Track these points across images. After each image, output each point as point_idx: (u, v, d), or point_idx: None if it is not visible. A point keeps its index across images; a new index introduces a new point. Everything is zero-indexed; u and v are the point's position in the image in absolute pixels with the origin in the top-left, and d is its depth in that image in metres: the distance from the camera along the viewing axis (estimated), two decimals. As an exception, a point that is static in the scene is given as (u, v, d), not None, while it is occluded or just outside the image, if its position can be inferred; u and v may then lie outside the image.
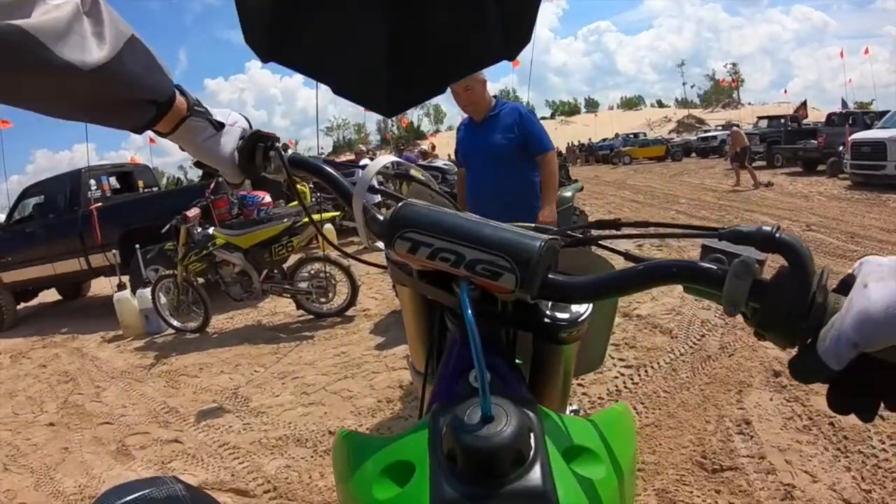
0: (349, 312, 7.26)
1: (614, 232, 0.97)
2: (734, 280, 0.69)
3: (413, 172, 1.10)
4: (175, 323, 7.72)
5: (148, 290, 7.81)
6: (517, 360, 0.97)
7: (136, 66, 1.00)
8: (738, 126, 19.43)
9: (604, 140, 55.98)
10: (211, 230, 7.52)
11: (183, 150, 1.24)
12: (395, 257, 0.88)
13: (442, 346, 1.00)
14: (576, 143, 58.24)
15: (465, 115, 4.44)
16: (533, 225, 0.93)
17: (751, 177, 17.69)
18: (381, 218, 1.01)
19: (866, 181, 15.64)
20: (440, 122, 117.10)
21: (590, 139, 59.31)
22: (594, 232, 1.62)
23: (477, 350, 0.69)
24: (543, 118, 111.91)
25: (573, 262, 0.96)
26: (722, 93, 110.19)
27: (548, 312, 0.90)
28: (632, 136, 53.37)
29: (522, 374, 0.94)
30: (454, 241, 0.81)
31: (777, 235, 0.70)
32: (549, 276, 0.81)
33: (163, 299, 7.77)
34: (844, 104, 31.49)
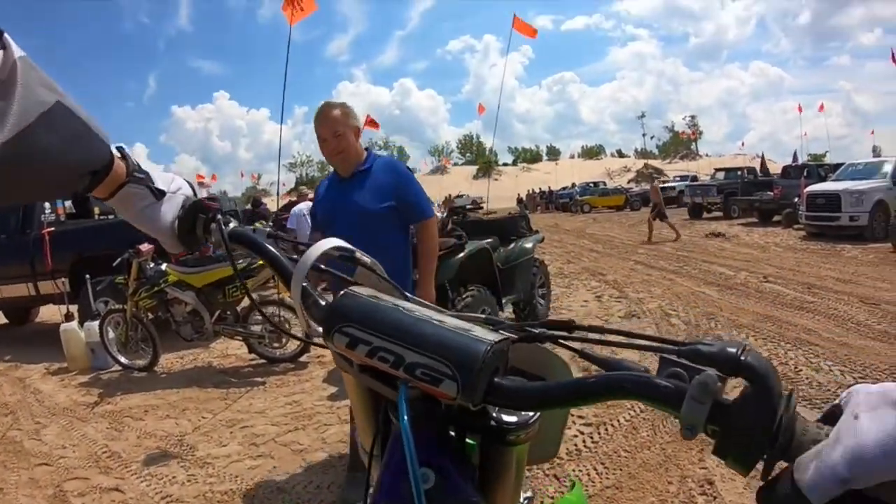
0: (303, 358, 7.06)
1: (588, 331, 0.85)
2: (692, 402, 0.62)
3: (359, 255, 1.00)
4: (122, 359, 7.41)
5: (96, 324, 7.52)
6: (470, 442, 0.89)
7: (56, 139, 0.91)
8: (657, 179, 19.81)
9: (564, 188, 56.50)
10: (164, 266, 7.31)
11: (121, 216, 1.18)
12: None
13: (388, 430, 0.91)
14: (536, 191, 58.69)
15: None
16: (484, 317, 0.87)
17: (672, 229, 18.10)
18: (321, 304, 0.95)
19: (821, 232, 16.19)
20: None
21: (549, 187, 59.73)
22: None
23: (412, 457, 0.67)
24: (505, 164, 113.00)
25: (527, 356, 0.89)
26: (680, 144, 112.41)
27: (495, 415, 0.83)
28: (592, 184, 53.98)
29: (474, 471, 0.86)
30: (393, 340, 0.76)
31: (742, 358, 0.63)
32: (496, 379, 0.74)
33: (111, 334, 7.48)
34: (796, 157, 32.23)
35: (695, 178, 43.51)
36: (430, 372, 0.72)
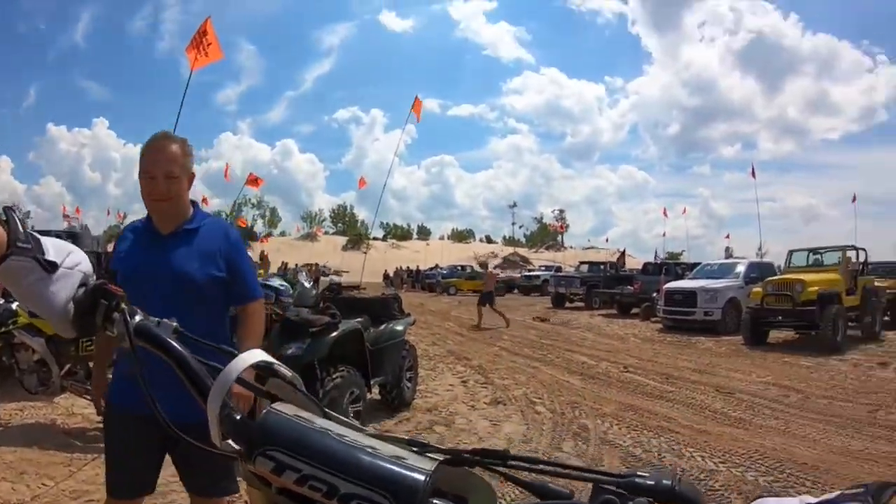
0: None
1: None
2: None
3: (277, 368, 0.94)
4: None
5: None
6: None
7: None
8: (496, 269, 20.18)
9: (431, 268, 56.87)
10: (14, 305, 6.68)
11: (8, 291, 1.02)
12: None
13: None
14: (404, 269, 58.90)
15: (141, 219, 2.94)
16: (407, 439, 0.86)
17: (501, 316, 18.28)
18: (239, 419, 0.88)
19: (677, 325, 17.22)
20: (274, 227, 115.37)
21: (418, 266, 60.04)
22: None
23: None
24: (376, 238, 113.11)
25: (450, 476, 0.85)
26: (547, 235, 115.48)
27: None
28: (459, 267, 54.54)
29: None
30: (326, 469, 0.74)
31: (676, 489, 0.70)
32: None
33: None
34: (657, 255, 33.89)
35: (559, 269, 44.69)
36: (365, 503, 0.72)
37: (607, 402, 8.04)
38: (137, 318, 1.03)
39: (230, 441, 0.85)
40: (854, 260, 15.66)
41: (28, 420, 6.89)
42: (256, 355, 0.92)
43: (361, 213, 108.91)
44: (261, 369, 0.94)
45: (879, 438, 6.52)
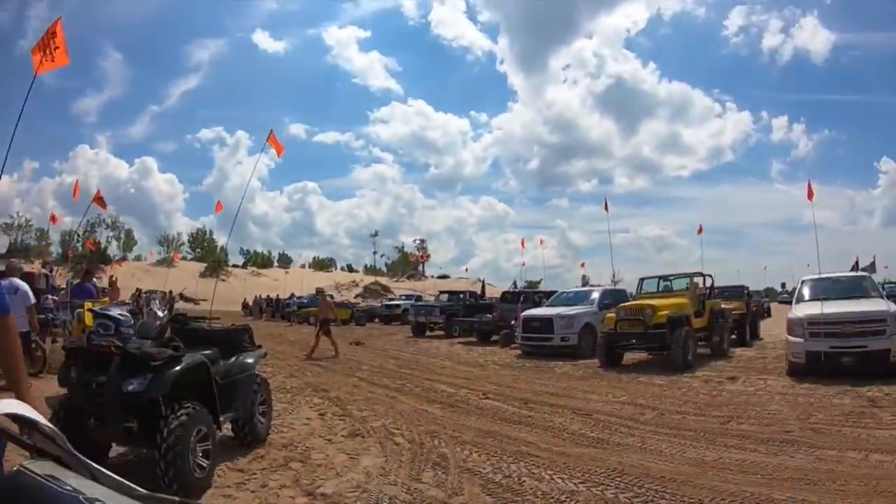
0: None
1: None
2: None
3: (40, 424, 0.82)
4: None
5: None
6: None
7: None
8: (331, 296, 19.84)
9: (290, 297, 55.69)
10: None
11: None
12: None
13: None
14: (263, 297, 57.37)
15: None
16: (178, 499, 0.81)
17: (332, 345, 18.12)
18: None
19: (534, 351, 17.60)
20: (129, 250, 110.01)
21: (278, 295, 58.54)
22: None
23: None
24: (236, 265, 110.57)
25: None
26: (408, 265, 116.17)
27: None
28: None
29: None
30: None
31: None
32: None
33: None
34: (515, 284, 34.54)
35: (419, 298, 44.93)
36: None
37: (466, 429, 7.98)
38: None
39: None
40: (701, 285, 16.56)
41: None
42: (11, 406, 0.81)
43: (221, 239, 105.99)
44: (19, 422, 0.82)
45: (732, 447, 6.81)
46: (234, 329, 8.02)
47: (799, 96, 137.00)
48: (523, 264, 73.56)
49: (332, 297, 22.12)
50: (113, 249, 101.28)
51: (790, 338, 11.68)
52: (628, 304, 15.72)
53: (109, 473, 0.79)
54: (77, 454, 0.82)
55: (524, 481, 5.76)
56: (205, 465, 5.77)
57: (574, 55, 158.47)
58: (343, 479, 6.04)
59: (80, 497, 0.66)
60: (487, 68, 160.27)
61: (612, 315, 15.18)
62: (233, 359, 7.11)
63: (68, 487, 0.68)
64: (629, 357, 15.43)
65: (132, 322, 6.44)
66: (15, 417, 0.81)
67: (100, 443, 6.06)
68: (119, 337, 6.10)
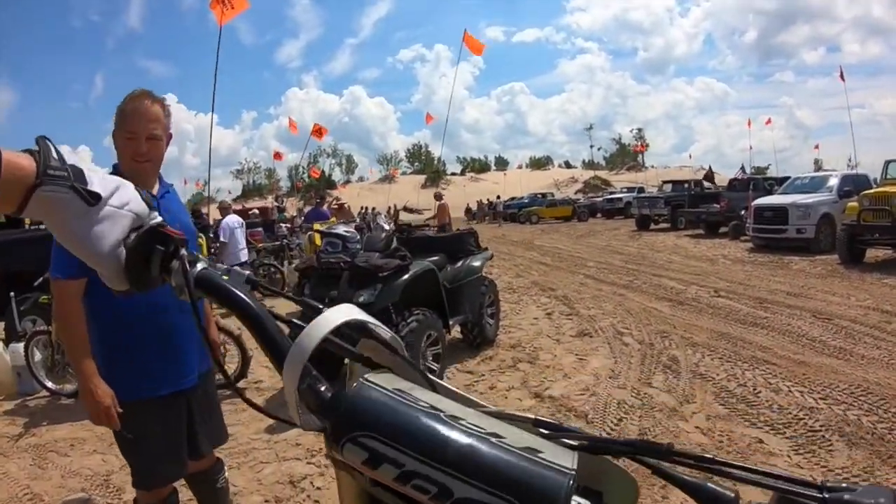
0: (239, 384, 6.45)
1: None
2: None
3: (374, 326, 0.77)
4: (49, 385, 6.78)
5: (21, 345, 6.89)
6: None
7: None
8: (442, 196, 17.77)
9: (511, 199, 56.18)
10: None
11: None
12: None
13: None
14: (485, 202, 58.30)
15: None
16: (532, 418, 0.71)
17: None
18: (324, 390, 0.71)
19: (767, 244, 16.37)
20: (351, 173, 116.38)
21: (498, 196, 59.21)
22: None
23: None
24: (454, 174, 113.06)
25: (584, 462, 0.65)
26: (627, 156, 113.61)
27: None
28: (540, 195, 53.79)
29: None
30: (437, 465, 0.59)
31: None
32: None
33: (38, 356, 6.84)
34: (744, 170, 32.50)
35: (641, 190, 43.81)
36: None
37: (698, 330, 7.68)
38: (200, 265, 0.87)
39: (312, 417, 0.70)
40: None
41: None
42: (346, 312, 0.75)
43: (437, 150, 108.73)
44: (352, 329, 0.77)
45: None
46: (457, 234, 8.15)
47: None
48: (750, 148, 69.31)
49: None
50: (337, 175, 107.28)
51: None
52: (873, 191, 13.58)
53: (447, 385, 0.74)
54: (414, 363, 0.77)
55: (759, 392, 5.44)
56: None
57: None
58: (571, 381, 6.04)
59: (442, 415, 0.63)
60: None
61: (855, 204, 13.41)
62: (459, 263, 7.26)
63: (423, 404, 0.64)
64: (872, 254, 13.72)
65: (358, 238, 6.69)
66: (347, 325, 0.74)
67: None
68: (347, 252, 6.37)
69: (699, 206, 24.09)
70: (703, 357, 6.52)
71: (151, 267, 0.87)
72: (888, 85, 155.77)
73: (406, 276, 6.02)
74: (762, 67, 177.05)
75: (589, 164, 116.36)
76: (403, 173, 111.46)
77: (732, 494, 0.60)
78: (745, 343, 6.95)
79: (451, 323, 6.63)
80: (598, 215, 43.11)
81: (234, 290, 0.83)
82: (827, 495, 0.56)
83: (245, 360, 6.36)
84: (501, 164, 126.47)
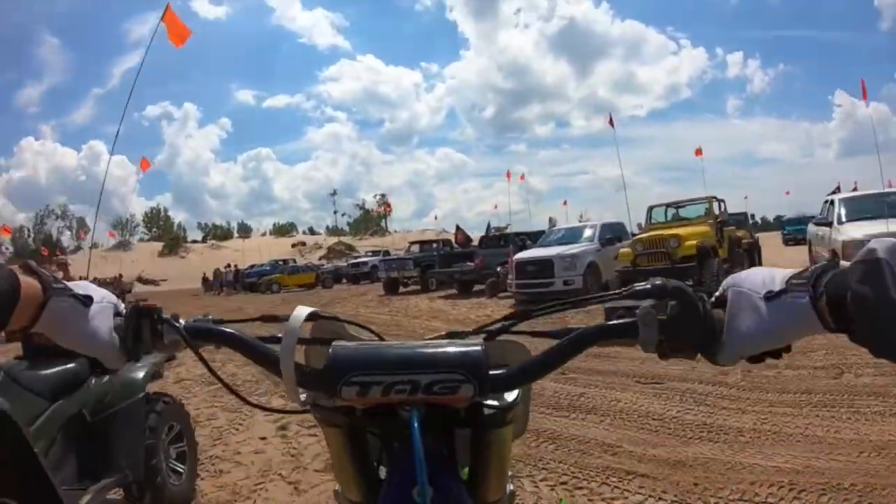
0: None
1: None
2: (645, 328, 0.86)
3: (321, 312, 1.01)
4: None
5: None
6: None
7: None
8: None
9: (251, 266, 52.45)
10: None
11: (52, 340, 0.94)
12: (331, 403, 0.89)
13: (377, 478, 0.99)
14: (222, 269, 52.87)
15: None
16: (445, 332, 1.00)
17: None
18: (307, 369, 0.92)
19: (533, 299, 15.47)
20: (81, 239, 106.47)
21: (236, 265, 54.12)
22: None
23: (421, 469, 0.78)
24: (195, 241, 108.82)
25: (491, 351, 0.89)
26: (371, 221, 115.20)
27: (486, 404, 0.91)
28: (281, 262, 51.12)
29: (464, 485, 0.94)
30: (404, 371, 0.82)
31: (668, 287, 0.86)
32: (490, 372, 0.84)
33: None
34: (489, 228, 32.66)
35: (387, 253, 43.43)
36: (447, 384, 0.81)
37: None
38: (183, 321, 1.01)
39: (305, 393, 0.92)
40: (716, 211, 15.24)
41: None
42: (303, 312, 0.95)
43: (178, 216, 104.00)
44: (310, 319, 0.98)
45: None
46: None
47: (753, 32, 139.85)
48: (496, 206, 73.55)
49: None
50: (66, 240, 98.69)
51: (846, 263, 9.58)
52: (646, 235, 13.99)
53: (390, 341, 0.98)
54: (358, 323, 1.13)
55: None
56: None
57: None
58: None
59: (392, 345, 0.89)
60: (437, 17, 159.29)
61: (628, 250, 13.68)
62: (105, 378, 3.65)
63: (378, 342, 0.96)
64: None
65: None
66: (311, 313, 0.98)
67: None
68: None
69: (452, 266, 22.89)
70: (529, 484, 4.08)
71: (143, 337, 0.99)
72: (608, 154, 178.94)
73: None
74: (498, 139, 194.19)
75: (333, 231, 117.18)
76: (141, 239, 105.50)
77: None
78: (581, 443, 4.73)
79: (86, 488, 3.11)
80: (344, 281, 42.21)
81: (223, 329, 0.99)
82: (625, 291, 0.90)
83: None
84: (245, 230, 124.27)
